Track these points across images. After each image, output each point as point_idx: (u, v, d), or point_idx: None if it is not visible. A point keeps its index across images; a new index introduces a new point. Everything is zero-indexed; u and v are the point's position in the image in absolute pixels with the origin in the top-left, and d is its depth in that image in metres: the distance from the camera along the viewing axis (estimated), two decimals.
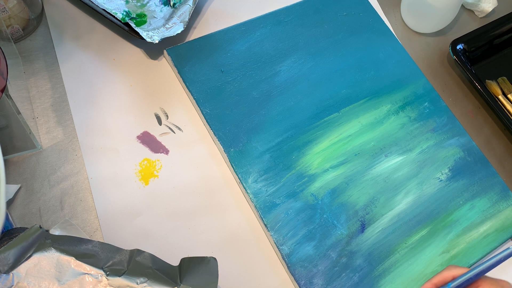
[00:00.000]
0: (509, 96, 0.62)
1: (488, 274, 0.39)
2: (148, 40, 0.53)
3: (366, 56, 0.61)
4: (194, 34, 0.60)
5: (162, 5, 0.59)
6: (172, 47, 0.56)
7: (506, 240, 0.53)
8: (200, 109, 0.53)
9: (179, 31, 0.55)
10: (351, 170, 0.53)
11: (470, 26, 0.68)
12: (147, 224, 0.48)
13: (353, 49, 0.61)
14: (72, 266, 0.38)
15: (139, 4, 0.59)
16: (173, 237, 0.48)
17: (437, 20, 0.64)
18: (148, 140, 0.52)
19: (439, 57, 0.66)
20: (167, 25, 0.56)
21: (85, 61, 0.56)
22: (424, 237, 0.51)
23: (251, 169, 0.51)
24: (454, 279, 0.39)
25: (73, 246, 0.39)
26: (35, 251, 0.38)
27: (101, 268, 0.38)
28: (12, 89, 0.49)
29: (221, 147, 0.52)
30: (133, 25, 0.54)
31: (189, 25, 0.60)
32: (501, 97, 0.62)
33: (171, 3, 0.59)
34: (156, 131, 0.53)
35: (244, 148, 0.52)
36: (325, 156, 0.53)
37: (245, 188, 0.50)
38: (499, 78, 0.63)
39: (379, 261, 0.49)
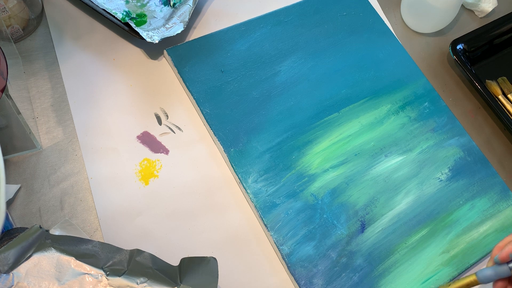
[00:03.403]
0: (509, 96, 0.62)
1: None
2: (148, 40, 0.53)
3: (366, 56, 0.61)
4: (194, 34, 0.60)
5: (162, 5, 0.59)
6: (172, 47, 0.56)
7: None
8: (200, 109, 0.53)
9: (179, 31, 0.55)
10: (351, 170, 0.53)
11: (470, 26, 0.68)
12: (147, 224, 0.48)
13: (353, 49, 0.61)
14: (72, 266, 0.38)
15: (139, 4, 0.59)
16: (173, 237, 0.48)
17: (437, 20, 0.64)
18: (148, 140, 0.52)
19: (439, 57, 0.65)
20: (167, 25, 0.56)
21: (85, 61, 0.56)
22: (424, 237, 0.51)
23: (251, 169, 0.51)
24: None
25: (73, 246, 0.39)
26: (35, 251, 0.38)
27: (101, 268, 0.38)
28: (12, 89, 0.49)
29: (221, 147, 0.52)
30: (133, 25, 0.54)
31: (189, 25, 0.60)
32: (501, 97, 0.62)
33: (171, 3, 0.59)
34: (156, 131, 0.53)
35: (244, 148, 0.52)
36: (325, 156, 0.53)
37: (245, 188, 0.50)
38: (499, 78, 0.63)
39: (379, 261, 0.49)
